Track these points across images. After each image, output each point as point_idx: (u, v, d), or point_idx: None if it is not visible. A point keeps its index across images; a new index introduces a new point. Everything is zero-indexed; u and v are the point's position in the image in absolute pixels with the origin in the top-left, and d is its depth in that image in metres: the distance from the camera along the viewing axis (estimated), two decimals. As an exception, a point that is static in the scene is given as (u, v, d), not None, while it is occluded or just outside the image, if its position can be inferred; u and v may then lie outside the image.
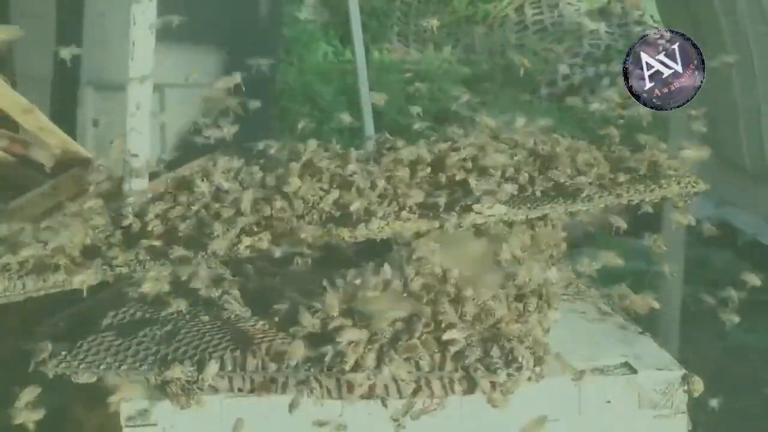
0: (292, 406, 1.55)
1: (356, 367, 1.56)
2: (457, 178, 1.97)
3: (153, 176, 2.76)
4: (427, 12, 6.25)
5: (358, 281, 1.65)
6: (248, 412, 1.58)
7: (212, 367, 1.55)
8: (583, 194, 1.92)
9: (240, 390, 1.59)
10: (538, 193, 1.94)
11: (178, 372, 1.54)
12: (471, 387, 1.58)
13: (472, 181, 1.93)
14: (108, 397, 1.64)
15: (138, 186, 2.70)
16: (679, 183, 1.96)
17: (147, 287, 1.72)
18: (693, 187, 1.96)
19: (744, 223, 3.93)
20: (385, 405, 1.57)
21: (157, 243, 1.89)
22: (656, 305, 1.86)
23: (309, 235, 1.83)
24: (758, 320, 3.61)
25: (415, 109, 2.25)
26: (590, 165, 2.02)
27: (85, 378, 1.59)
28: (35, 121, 2.95)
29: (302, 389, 1.56)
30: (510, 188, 1.93)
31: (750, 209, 3.56)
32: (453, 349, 1.57)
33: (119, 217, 2.01)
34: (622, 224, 1.97)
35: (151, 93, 2.76)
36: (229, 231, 1.83)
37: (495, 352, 1.58)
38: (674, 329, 3.22)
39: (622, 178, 1.97)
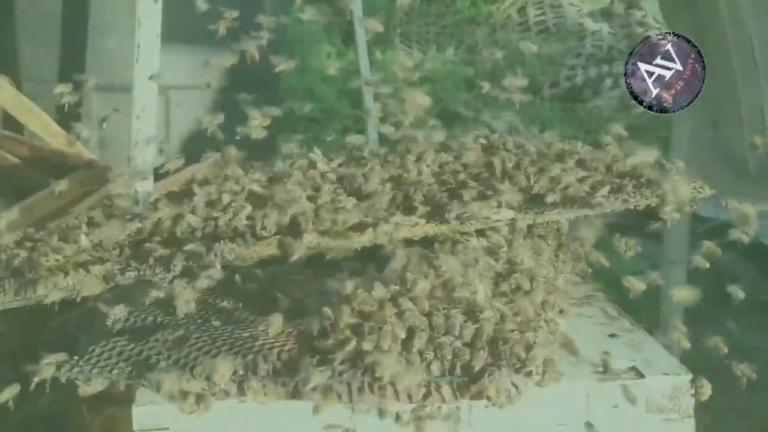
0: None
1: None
2: (467, 182, 1.98)
3: (158, 177, 2.76)
4: (430, 13, 6.27)
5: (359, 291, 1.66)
6: (259, 417, 1.59)
7: (226, 372, 1.56)
8: (590, 199, 1.93)
9: (251, 394, 1.59)
10: (545, 198, 1.95)
11: (196, 387, 1.55)
12: (480, 392, 1.59)
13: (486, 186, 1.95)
14: (112, 399, 1.65)
15: (143, 188, 2.70)
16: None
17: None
18: (699, 192, 1.97)
19: (747, 225, 3.92)
20: (396, 415, 1.58)
21: (165, 247, 1.90)
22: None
23: (310, 242, 1.84)
24: (760, 320, 3.62)
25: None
26: (596, 169, 2.03)
27: (91, 387, 1.60)
28: (40, 122, 2.96)
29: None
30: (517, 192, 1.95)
31: (753, 211, 3.56)
32: (462, 356, 1.57)
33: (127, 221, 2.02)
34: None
35: (156, 95, 2.77)
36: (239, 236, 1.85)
37: (504, 357, 1.59)
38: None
39: (628, 182, 1.98)
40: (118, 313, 1.74)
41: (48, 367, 1.61)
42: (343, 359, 1.57)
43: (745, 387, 1.85)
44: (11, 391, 1.65)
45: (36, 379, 1.61)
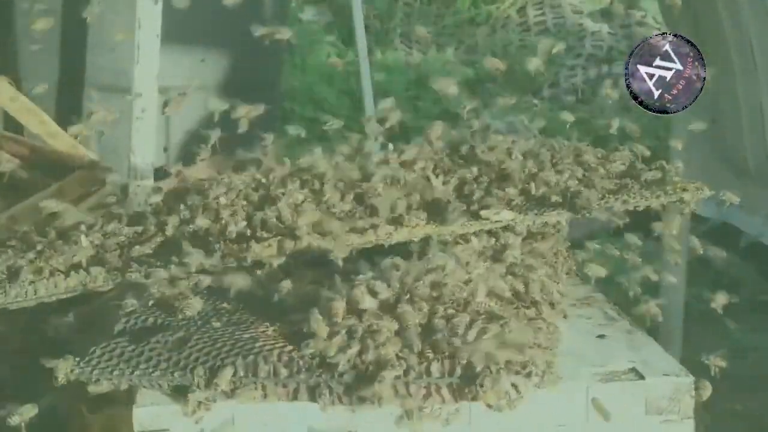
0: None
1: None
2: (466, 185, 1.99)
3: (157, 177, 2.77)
4: (430, 14, 6.27)
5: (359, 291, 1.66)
6: (260, 418, 1.60)
7: (227, 373, 1.56)
8: (590, 200, 1.93)
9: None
10: (544, 199, 1.95)
11: (201, 396, 1.55)
12: (479, 394, 1.59)
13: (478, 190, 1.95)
14: (112, 400, 1.65)
15: (143, 188, 2.71)
16: (684, 189, 1.97)
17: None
18: (698, 193, 1.98)
19: (747, 225, 3.92)
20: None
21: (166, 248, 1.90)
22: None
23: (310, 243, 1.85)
24: (760, 321, 3.61)
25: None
26: (596, 170, 2.04)
27: (101, 386, 1.60)
28: (40, 122, 2.96)
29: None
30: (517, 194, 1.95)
31: (753, 211, 3.57)
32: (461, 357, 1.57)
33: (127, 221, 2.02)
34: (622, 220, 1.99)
35: (156, 95, 2.78)
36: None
37: (503, 359, 1.59)
38: (677, 330, 3.23)
39: (628, 183, 1.99)
40: (129, 305, 1.75)
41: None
42: (345, 362, 1.57)
43: (746, 388, 1.85)
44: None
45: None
